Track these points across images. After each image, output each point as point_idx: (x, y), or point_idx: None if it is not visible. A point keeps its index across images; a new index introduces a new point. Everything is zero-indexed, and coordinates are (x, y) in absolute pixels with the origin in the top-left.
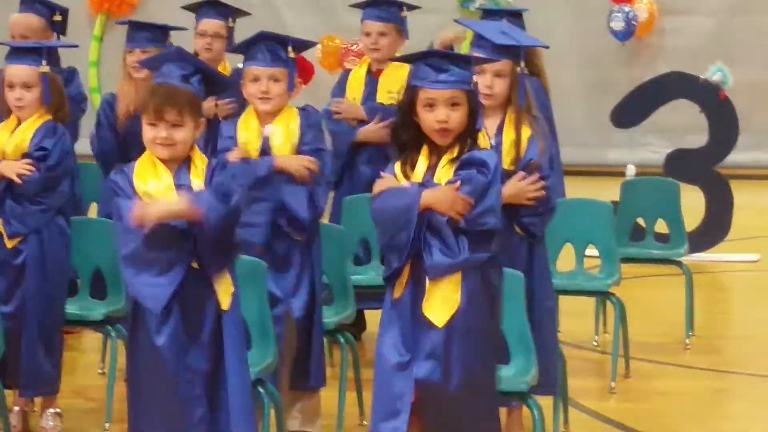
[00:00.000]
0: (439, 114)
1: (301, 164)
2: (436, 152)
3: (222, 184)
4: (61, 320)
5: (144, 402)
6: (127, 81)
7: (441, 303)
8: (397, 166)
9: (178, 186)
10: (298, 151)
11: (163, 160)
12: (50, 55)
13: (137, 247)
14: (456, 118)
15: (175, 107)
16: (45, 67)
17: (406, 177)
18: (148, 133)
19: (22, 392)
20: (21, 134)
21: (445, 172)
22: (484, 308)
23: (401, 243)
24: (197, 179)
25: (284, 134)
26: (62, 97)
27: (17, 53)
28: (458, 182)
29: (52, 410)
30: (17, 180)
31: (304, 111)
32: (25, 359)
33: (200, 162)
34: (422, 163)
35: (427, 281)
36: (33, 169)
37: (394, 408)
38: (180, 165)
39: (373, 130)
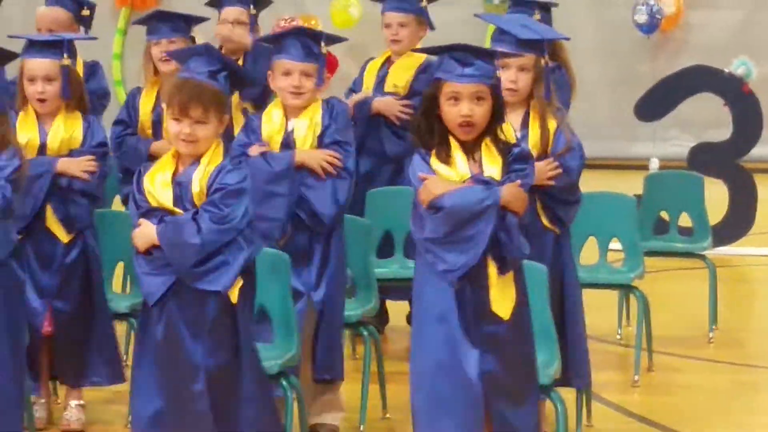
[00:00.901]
0: (463, 108)
1: (322, 159)
2: (465, 147)
3: (210, 203)
4: None
5: (144, 394)
6: (153, 77)
7: (504, 296)
8: (434, 160)
9: (178, 183)
10: (321, 143)
11: (183, 155)
12: (70, 48)
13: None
14: (480, 112)
15: (200, 104)
16: (66, 60)
17: (445, 164)
18: (172, 128)
19: (92, 382)
20: (67, 129)
21: (495, 169)
22: (526, 299)
23: (478, 240)
24: (198, 178)
25: (307, 127)
26: (82, 89)
27: (38, 46)
28: (518, 181)
29: (75, 402)
30: (86, 177)
31: (328, 103)
32: (104, 347)
33: (211, 161)
34: (461, 157)
35: (494, 276)
36: (96, 164)
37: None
38: (192, 162)
39: (391, 103)
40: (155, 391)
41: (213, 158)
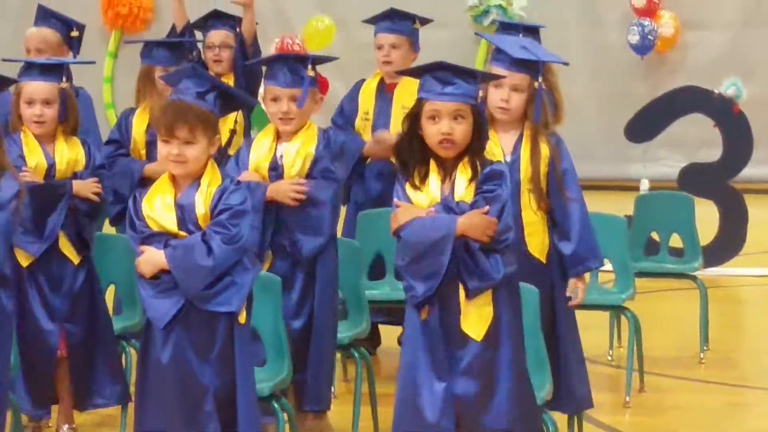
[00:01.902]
0: (442, 126)
1: (288, 191)
2: (444, 167)
3: (218, 223)
4: None
5: (151, 418)
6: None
7: (477, 317)
8: (408, 186)
9: (180, 206)
10: (310, 172)
11: (178, 177)
12: (68, 72)
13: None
14: (460, 130)
15: (186, 124)
16: (65, 84)
17: (416, 190)
18: (161, 149)
19: (95, 404)
20: (72, 152)
21: (466, 190)
22: (516, 318)
23: (435, 270)
24: (202, 199)
25: (296, 153)
26: (77, 113)
27: (38, 69)
28: (486, 206)
29: (67, 426)
30: (96, 199)
31: (325, 134)
32: (107, 370)
33: (211, 182)
34: (435, 179)
35: (462, 301)
36: (100, 186)
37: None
38: (191, 183)
39: (381, 149)
40: (162, 415)
41: (213, 179)
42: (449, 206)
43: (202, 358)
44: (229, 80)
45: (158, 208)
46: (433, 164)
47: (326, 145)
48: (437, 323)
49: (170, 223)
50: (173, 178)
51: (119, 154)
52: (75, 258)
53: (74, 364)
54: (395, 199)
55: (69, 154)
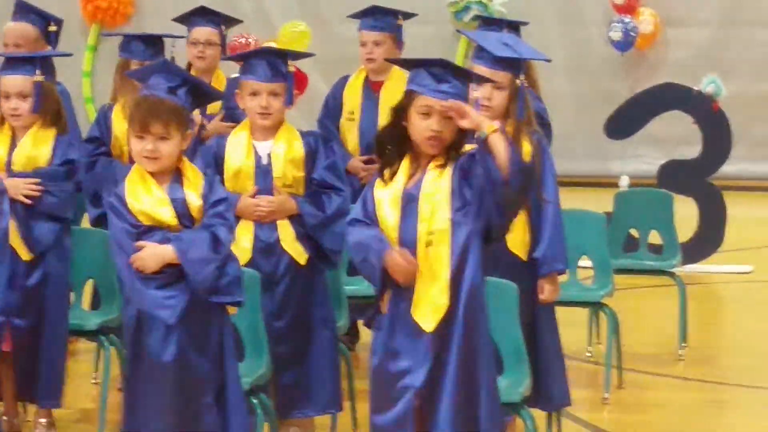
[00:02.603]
0: (433, 123)
1: (254, 211)
2: (418, 161)
3: (217, 214)
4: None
5: (146, 414)
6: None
7: (429, 307)
8: (378, 181)
9: (173, 200)
10: (309, 178)
11: (152, 173)
12: (45, 65)
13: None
14: (449, 130)
15: (160, 120)
16: (39, 77)
17: (384, 185)
18: (135, 146)
19: (44, 403)
20: (34, 146)
21: (433, 179)
22: (477, 314)
23: (374, 282)
24: (192, 192)
25: (285, 157)
26: (59, 107)
27: (12, 63)
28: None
29: (44, 420)
30: (24, 201)
31: (312, 136)
32: (50, 371)
33: (193, 175)
34: (402, 173)
35: (416, 291)
36: (39, 188)
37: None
38: (172, 178)
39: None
40: (157, 413)
41: (194, 173)
42: (411, 194)
43: (201, 352)
44: (216, 77)
45: (150, 202)
46: (407, 158)
47: (312, 150)
48: (396, 314)
49: (169, 216)
50: (144, 176)
51: (100, 153)
52: (25, 254)
53: (20, 360)
54: (366, 189)
55: (30, 149)
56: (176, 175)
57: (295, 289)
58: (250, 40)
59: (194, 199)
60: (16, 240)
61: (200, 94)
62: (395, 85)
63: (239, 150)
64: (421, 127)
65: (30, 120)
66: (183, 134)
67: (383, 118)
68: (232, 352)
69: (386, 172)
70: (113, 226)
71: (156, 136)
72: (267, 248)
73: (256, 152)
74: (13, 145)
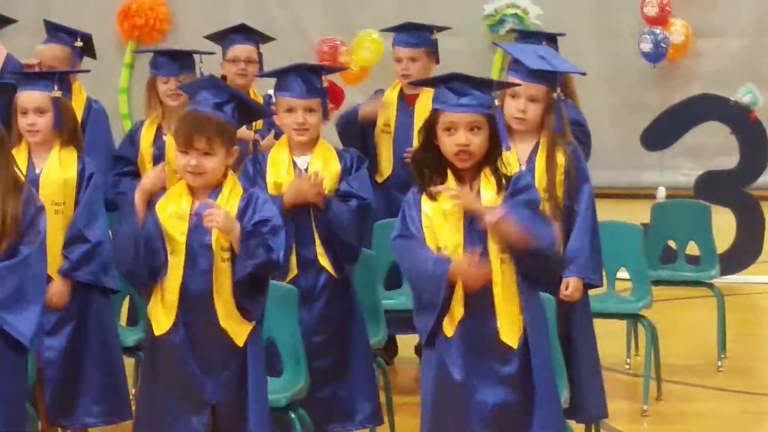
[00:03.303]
0: (459, 138)
1: (307, 192)
2: (462, 178)
3: (253, 235)
4: None
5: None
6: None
7: (511, 324)
8: (423, 197)
9: (198, 216)
10: (339, 189)
11: (195, 187)
12: (62, 81)
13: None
14: (477, 142)
15: (204, 135)
16: (57, 92)
17: (432, 200)
18: (179, 160)
19: (100, 421)
20: (63, 167)
21: (493, 195)
22: (545, 326)
23: (431, 306)
24: (223, 206)
25: (324, 168)
26: (76, 123)
27: (30, 79)
28: (477, 251)
29: None
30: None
31: (348, 153)
32: (109, 386)
33: (233, 190)
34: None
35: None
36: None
37: None
38: (210, 194)
39: (374, 108)
40: (158, 423)
41: (234, 187)
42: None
43: (209, 373)
44: (252, 95)
45: (170, 215)
46: (450, 176)
47: (348, 166)
48: (468, 334)
49: (178, 231)
50: (190, 188)
51: (125, 172)
52: (51, 271)
53: (52, 381)
54: (405, 208)
55: (58, 171)
56: (216, 190)
57: (333, 304)
58: (337, 42)
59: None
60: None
61: (247, 110)
62: (429, 98)
63: (279, 165)
64: (449, 144)
65: (47, 136)
66: (228, 150)
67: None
68: (257, 375)
69: (431, 190)
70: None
71: (200, 151)
72: (306, 263)
73: (296, 166)
74: (30, 164)
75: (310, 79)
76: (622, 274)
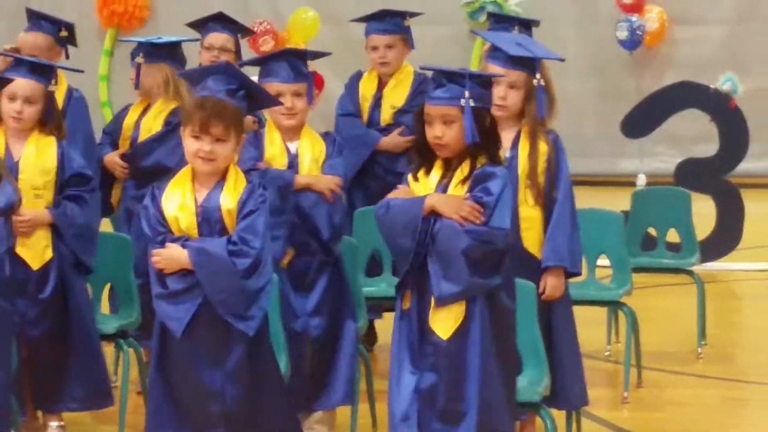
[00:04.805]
0: (434, 130)
1: (327, 186)
2: (448, 165)
3: (248, 228)
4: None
5: (161, 418)
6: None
7: (446, 314)
8: (410, 177)
9: (204, 207)
10: (321, 173)
11: (200, 175)
12: (55, 74)
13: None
14: (450, 134)
15: (222, 122)
16: (54, 86)
17: (416, 181)
18: (190, 146)
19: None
20: (39, 153)
21: (456, 190)
22: (494, 331)
23: (407, 250)
24: (229, 199)
25: (311, 155)
26: (60, 116)
27: (27, 67)
28: (467, 195)
29: (55, 423)
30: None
31: (330, 137)
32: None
33: (237, 181)
34: (435, 174)
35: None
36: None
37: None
38: (215, 184)
39: (396, 143)
40: (168, 417)
41: (239, 178)
42: None
43: (218, 366)
44: None
45: (176, 209)
46: (439, 162)
47: (334, 149)
48: (415, 314)
49: (186, 224)
50: (194, 175)
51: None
52: (35, 264)
53: (36, 369)
54: (398, 186)
55: (35, 157)
56: (221, 181)
57: (329, 288)
58: (265, 25)
59: (228, 202)
60: (24, 251)
61: (256, 97)
62: (397, 84)
63: (273, 145)
64: (428, 135)
65: (29, 126)
66: (238, 137)
67: (385, 118)
68: (267, 372)
69: (420, 170)
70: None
71: (214, 137)
72: (302, 248)
73: (288, 151)
74: (7, 150)
75: (296, 64)
76: (603, 261)
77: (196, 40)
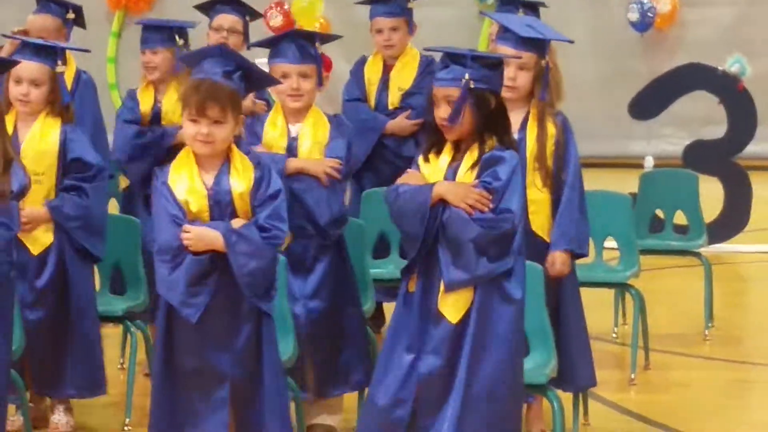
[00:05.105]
0: (440, 111)
1: (323, 169)
2: (458, 148)
3: (274, 215)
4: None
5: (168, 399)
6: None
7: (455, 299)
8: (421, 159)
9: (216, 191)
10: (324, 156)
11: (202, 158)
12: (63, 56)
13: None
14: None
15: (218, 104)
16: (61, 67)
17: (426, 163)
18: (189, 129)
19: (77, 394)
20: (42, 139)
21: (466, 175)
22: (501, 317)
23: (415, 236)
24: (241, 182)
25: (312, 138)
26: (67, 96)
27: (31, 49)
28: (476, 181)
29: (62, 406)
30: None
31: (336, 120)
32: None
33: (242, 164)
34: (445, 157)
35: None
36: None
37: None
38: (220, 167)
39: (402, 126)
40: (175, 401)
41: (243, 160)
42: (448, 179)
43: (227, 347)
44: None
45: (184, 191)
46: (449, 144)
47: (339, 131)
48: (420, 298)
49: (198, 208)
50: (196, 158)
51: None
52: (35, 249)
53: (35, 353)
54: (408, 170)
55: (38, 143)
56: (225, 163)
57: (330, 271)
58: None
59: (239, 186)
60: (24, 235)
61: (253, 79)
62: (404, 67)
63: (275, 128)
64: (435, 116)
65: (37, 108)
66: (237, 119)
67: (393, 101)
68: (273, 352)
69: (430, 152)
70: (161, 209)
71: (211, 119)
72: (298, 231)
73: (289, 134)
74: (15, 134)
75: (303, 45)
76: (610, 243)
77: (191, 25)
